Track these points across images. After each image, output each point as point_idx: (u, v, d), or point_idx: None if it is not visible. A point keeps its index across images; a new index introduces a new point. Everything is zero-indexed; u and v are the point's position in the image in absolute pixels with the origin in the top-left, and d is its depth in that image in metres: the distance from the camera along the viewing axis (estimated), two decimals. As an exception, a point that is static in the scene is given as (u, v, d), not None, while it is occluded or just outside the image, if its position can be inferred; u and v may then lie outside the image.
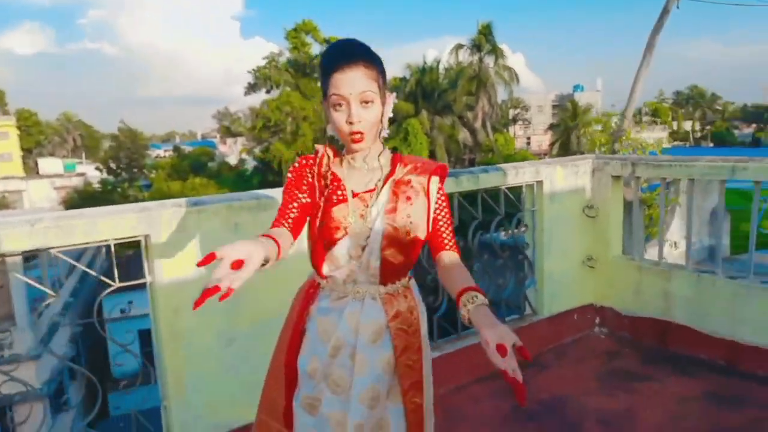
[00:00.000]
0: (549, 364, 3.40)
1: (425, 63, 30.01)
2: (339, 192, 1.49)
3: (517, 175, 3.34)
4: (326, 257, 1.50)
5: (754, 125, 58.98)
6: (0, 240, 1.87)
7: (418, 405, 1.53)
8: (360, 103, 1.39)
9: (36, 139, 50.74)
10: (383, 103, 1.45)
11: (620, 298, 3.69)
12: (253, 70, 28.36)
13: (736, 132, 55.70)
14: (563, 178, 3.57)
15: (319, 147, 1.54)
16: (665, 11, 7.09)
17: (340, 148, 1.56)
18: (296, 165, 1.55)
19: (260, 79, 28.11)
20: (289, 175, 1.55)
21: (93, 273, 2.22)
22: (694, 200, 3.48)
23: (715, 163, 3.18)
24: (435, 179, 1.52)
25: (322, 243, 1.49)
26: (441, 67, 30.82)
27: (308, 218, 1.51)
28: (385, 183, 1.49)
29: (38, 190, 33.97)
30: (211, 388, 2.35)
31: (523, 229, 3.54)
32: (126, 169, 37.67)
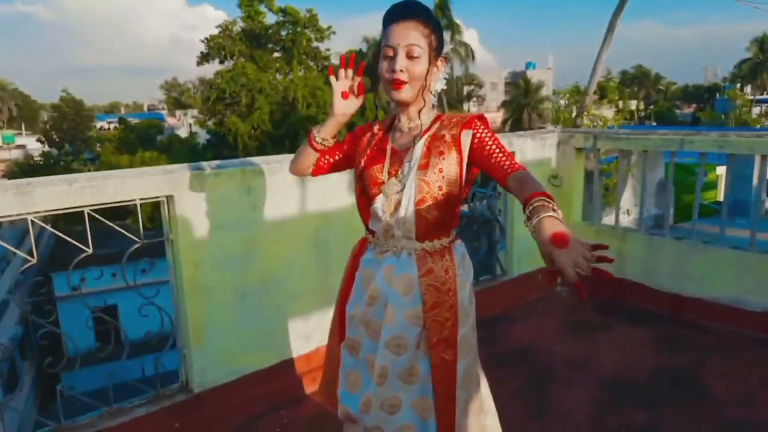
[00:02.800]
0: (519, 318, 3.79)
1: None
2: (380, 149, 1.63)
3: (493, 146, 3.65)
4: (370, 212, 1.61)
5: (694, 105, 61.98)
6: (42, 198, 2.03)
7: (447, 361, 1.55)
8: (407, 55, 1.47)
9: (-33, 108, 47.79)
10: (431, 64, 1.51)
11: (580, 260, 4.09)
12: (206, 39, 27.59)
13: (677, 111, 58.41)
14: (532, 150, 3.91)
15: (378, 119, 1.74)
16: None
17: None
18: (354, 131, 1.77)
19: (213, 49, 27.40)
20: (348, 135, 1.78)
21: (123, 231, 2.38)
22: (646, 171, 3.90)
23: (666, 136, 3.59)
24: (467, 132, 1.52)
25: (365, 199, 1.62)
26: (398, 41, 30.83)
27: (354, 175, 1.69)
28: (419, 138, 1.56)
29: (-26, 162, 32.19)
30: (226, 337, 2.58)
31: (496, 196, 3.87)
32: (69, 141, 36.11)
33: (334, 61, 30.01)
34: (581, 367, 3.12)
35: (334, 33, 27.31)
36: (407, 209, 1.53)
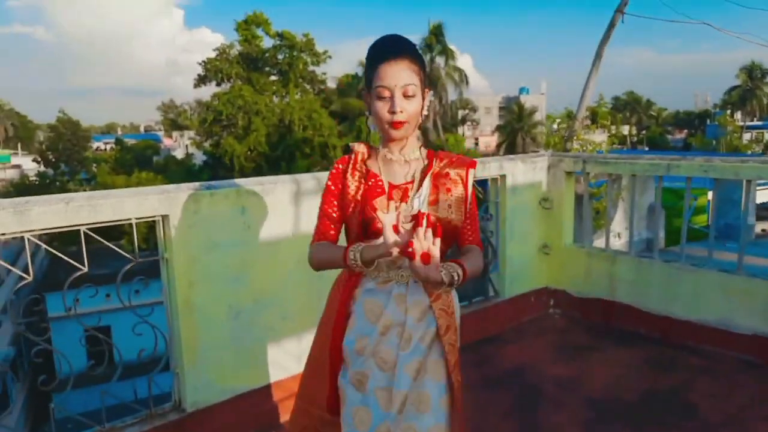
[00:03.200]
0: (511, 340, 3.81)
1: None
2: (377, 185, 1.59)
3: (483, 168, 3.72)
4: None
5: (685, 131, 62.79)
6: (39, 217, 2.06)
7: (459, 383, 1.60)
8: (403, 95, 1.50)
9: (-36, 128, 47.83)
10: (423, 98, 1.56)
11: (571, 282, 4.14)
12: (203, 61, 27.91)
13: (669, 137, 59.14)
14: (523, 173, 3.98)
15: (355, 145, 1.67)
16: (612, 25, 7.76)
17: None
18: (333, 171, 1.66)
19: (211, 72, 27.70)
20: (329, 182, 1.64)
21: (121, 251, 2.41)
22: (636, 195, 3.97)
23: (653, 161, 3.66)
24: (472, 171, 1.65)
25: (364, 233, 1.57)
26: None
27: (345, 215, 1.61)
28: (425, 175, 1.59)
29: (-31, 182, 32.13)
30: (219, 356, 2.59)
31: (488, 218, 3.93)
32: (65, 161, 36.17)
33: (331, 84, 30.38)
34: (572, 387, 3.14)
35: (330, 57, 27.72)
36: None
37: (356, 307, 1.63)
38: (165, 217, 2.40)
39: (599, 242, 4.33)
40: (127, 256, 2.38)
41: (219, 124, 26.39)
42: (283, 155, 25.14)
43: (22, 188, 29.99)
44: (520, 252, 4.04)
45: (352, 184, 1.61)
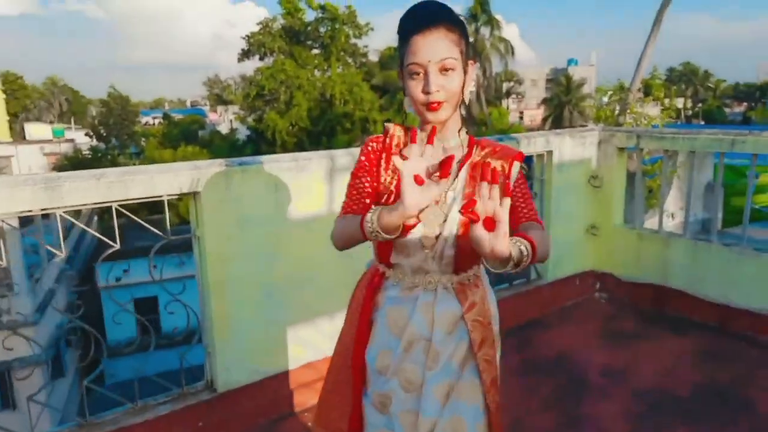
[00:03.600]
0: (553, 324, 3.65)
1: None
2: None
3: (529, 144, 3.53)
4: (395, 245, 1.39)
5: (745, 104, 59.44)
6: (71, 193, 2.03)
7: (498, 405, 1.43)
8: (440, 70, 1.28)
9: (22, 103, 49.90)
10: (465, 72, 1.32)
11: (620, 265, 3.93)
12: (247, 36, 27.99)
13: (727, 110, 56.12)
14: (571, 149, 3.76)
15: (389, 126, 1.45)
16: None
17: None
18: (367, 149, 1.46)
19: (254, 46, 27.79)
20: (362, 157, 1.45)
21: (153, 228, 2.38)
22: (694, 173, 3.70)
23: (716, 136, 3.38)
24: (517, 165, 1.40)
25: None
26: (435, 37, 30.59)
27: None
28: (461, 166, 1.38)
29: (27, 155, 33.58)
30: (251, 336, 2.55)
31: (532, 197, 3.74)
32: (116, 135, 37.31)
33: (373, 57, 30.03)
34: (619, 377, 2.98)
35: (372, 29, 27.33)
36: (449, 242, 1.37)
37: (379, 316, 1.45)
38: (196, 194, 2.35)
39: (651, 223, 4.08)
40: (158, 233, 2.35)
41: (262, 99, 26.55)
42: (323, 130, 25.15)
43: (75, 162, 31.10)
44: (565, 232, 3.85)
45: (385, 174, 1.40)
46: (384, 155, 1.42)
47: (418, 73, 1.29)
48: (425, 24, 1.28)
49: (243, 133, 33.11)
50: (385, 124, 1.47)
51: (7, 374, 12.77)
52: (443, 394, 1.38)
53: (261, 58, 28.01)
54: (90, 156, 33.36)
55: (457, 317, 1.40)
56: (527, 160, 3.68)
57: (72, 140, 37.66)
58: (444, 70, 1.28)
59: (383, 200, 1.39)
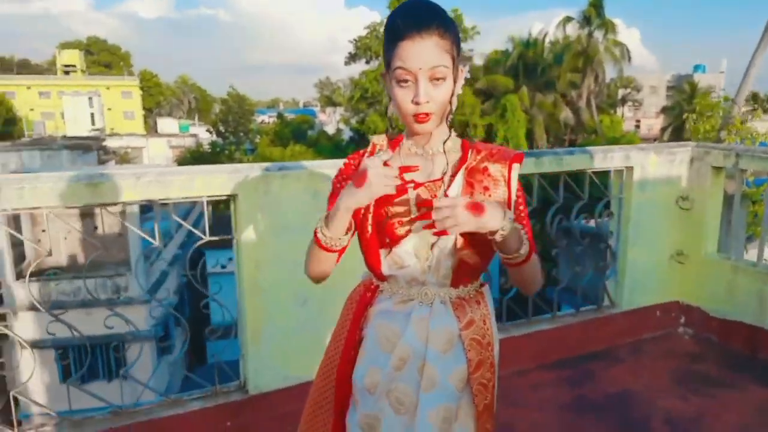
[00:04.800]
0: (623, 359, 3.30)
1: (530, 36, 28.87)
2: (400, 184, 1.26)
3: (605, 159, 3.22)
4: (387, 257, 1.32)
5: None
6: (111, 190, 2.12)
7: None
8: (430, 79, 1.19)
9: (156, 99, 55.04)
10: (455, 80, 1.24)
11: (710, 298, 3.47)
12: (354, 40, 28.71)
13: None
14: (656, 166, 3.38)
15: (376, 139, 1.37)
16: None
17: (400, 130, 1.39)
18: (342, 168, 1.39)
19: (360, 50, 28.44)
20: (334, 181, 1.38)
21: (189, 227, 2.44)
22: (807, 199, 3.17)
23: (834, 160, 2.87)
24: (516, 167, 1.31)
25: (381, 241, 1.31)
26: (546, 41, 29.50)
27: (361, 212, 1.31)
28: (457, 170, 1.29)
29: (156, 147, 36.93)
30: (284, 341, 2.53)
31: (607, 217, 3.41)
32: (233, 132, 39.91)
33: (477, 61, 29.54)
34: (686, 427, 2.61)
35: (478, 33, 26.92)
36: (445, 252, 1.28)
37: (368, 330, 1.35)
38: (234, 197, 2.36)
39: (754, 254, 3.56)
40: (198, 233, 2.39)
41: (365, 101, 27.08)
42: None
43: (196, 155, 33.69)
44: (646, 258, 3.46)
45: None
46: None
47: (406, 81, 1.20)
48: (417, 28, 1.17)
49: (347, 134, 34.02)
50: (371, 137, 1.39)
51: (122, 346, 14.03)
52: (440, 419, 1.27)
53: (367, 62, 28.59)
54: (210, 150, 35.94)
55: (454, 335, 1.30)
56: (605, 175, 3.37)
57: (195, 135, 40.85)
58: (434, 79, 1.20)
59: (360, 215, 1.32)
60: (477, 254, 1.30)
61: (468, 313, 1.32)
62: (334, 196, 1.36)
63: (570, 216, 3.25)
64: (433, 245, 1.28)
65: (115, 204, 2.14)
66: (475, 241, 1.26)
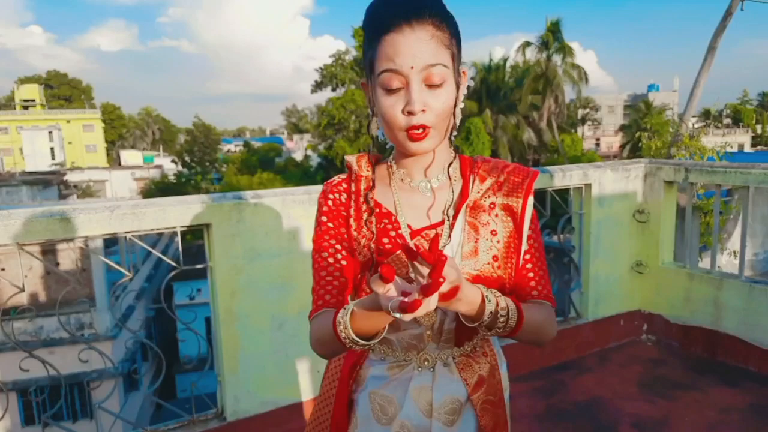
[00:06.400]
0: (590, 368, 3.42)
1: (491, 61, 29.77)
2: (390, 230, 1.04)
3: (564, 177, 3.38)
4: None
5: None
6: (84, 224, 2.14)
7: None
8: (425, 83, 0.93)
9: (119, 132, 54.27)
10: (458, 85, 0.98)
11: (669, 306, 3.64)
12: (320, 68, 29.10)
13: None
14: (613, 182, 3.56)
15: (350, 160, 1.11)
16: (728, 14, 6.80)
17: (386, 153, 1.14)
18: (323, 200, 1.10)
19: (326, 77, 28.79)
20: (322, 218, 1.09)
21: (162, 256, 2.47)
22: (749, 208, 3.38)
23: (772, 170, 3.09)
24: (531, 199, 1.06)
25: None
26: (507, 65, 30.43)
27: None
28: (457, 213, 1.04)
29: (120, 180, 36.27)
30: (261, 367, 2.56)
31: (569, 233, 3.56)
32: (199, 162, 39.60)
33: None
34: (658, 430, 2.72)
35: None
36: (450, 314, 1.05)
37: (360, 396, 1.11)
38: (208, 226, 2.41)
39: (706, 262, 3.76)
40: (172, 263, 2.42)
41: (332, 128, 27.31)
42: (392, 157, 25.49)
43: (161, 186, 33.27)
44: (607, 269, 3.62)
45: (358, 234, 1.05)
46: (353, 205, 1.07)
47: (395, 86, 0.94)
48: (406, 17, 0.91)
49: (315, 160, 34.13)
50: (346, 158, 1.13)
51: (86, 385, 13.56)
52: None
53: (333, 89, 28.95)
54: (175, 181, 35.52)
55: (462, 401, 1.07)
56: (564, 192, 3.53)
57: (160, 166, 40.32)
58: (431, 82, 0.93)
59: (364, 268, 1.05)
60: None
61: (476, 372, 1.09)
62: (320, 237, 1.10)
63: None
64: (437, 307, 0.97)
65: (88, 238, 2.16)
66: None
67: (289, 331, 2.61)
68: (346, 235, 1.06)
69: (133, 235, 2.27)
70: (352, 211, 1.07)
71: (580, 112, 46.79)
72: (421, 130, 0.95)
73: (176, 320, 2.57)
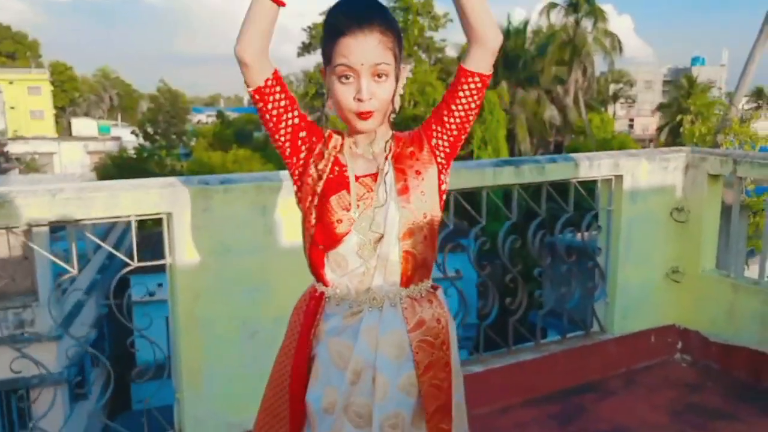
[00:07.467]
0: (616, 391, 3.42)
1: (509, 24, 29.60)
2: (340, 178, 1.48)
3: (591, 167, 3.35)
4: (329, 259, 1.49)
5: None
6: (22, 209, 2.11)
7: None
8: (372, 76, 1.38)
9: (70, 96, 53.83)
10: (398, 77, 1.44)
11: (710, 321, 3.64)
12: (308, 27, 28.89)
13: None
14: (648, 174, 3.54)
15: (329, 131, 1.57)
16: None
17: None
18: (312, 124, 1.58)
19: (315, 39, 28.60)
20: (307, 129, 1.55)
21: (113, 251, 2.44)
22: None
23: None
24: (428, 125, 1.55)
25: (322, 242, 1.47)
26: (528, 29, 30.31)
27: (300, 210, 1.54)
28: (386, 160, 1.50)
29: (70, 153, 36.08)
30: (229, 382, 2.54)
31: (595, 231, 3.54)
32: (164, 134, 39.45)
33: (450, 52, 30.09)
34: (689, 467, 2.73)
35: (451, 21, 27.43)
36: (391, 247, 1.46)
37: (320, 349, 1.51)
38: (169, 215, 2.38)
39: (754, 270, 3.76)
40: (125, 259, 2.39)
41: (321, 98, 27.18)
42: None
43: (119, 161, 33.07)
44: (639, 276, 3.61)
45: (314, 171, 1.49)
46: (321, 148, 1.53)
47: (348, 77, 1.39)
48: (359, 24, 1.36)
49: (301, 135, 33.98)
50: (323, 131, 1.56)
51: (26, 393, 13.55)
52: (390, 426, 1.43)
53: (323, 52, 28.80)
54: (135, 156, 35.33)
55: (404, 338, 1.46)
56: (591, 185, 3.51)
57: (118, 138, 40.11)
58: (377, 75, 1.39)
59: (307, 202, 1.49)
60: (422, 243, 1.48)
61: (418, 314, 1.48)
62: (299, 112, 1.53)
63: (554, 231, 3.36)
64: (377, 241, 1.45)
65: (25, 226, 2.13)
66: (419, 229, 1.47)
67: (263, 341, 2.58)
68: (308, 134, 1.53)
69: (79, 224, 2.23)
70: (316, 149, 1.52)
71: (612, 88, 46.77)
72: (367, 114, 1.41)
73: (133, 318, 2.54)
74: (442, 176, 1.53)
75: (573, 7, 29.74)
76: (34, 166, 32.40)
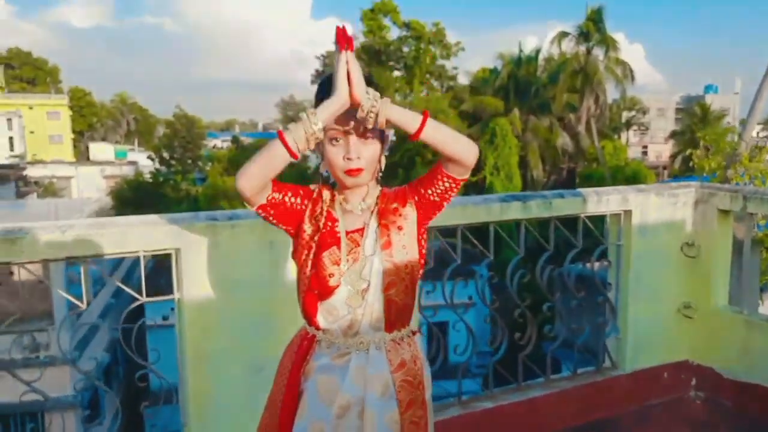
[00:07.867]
0: (627, 429, 3.37)
1: (521, 52, 29.78)
2: (332, 234, 1.63)
3: (599, 202, 3.34)
4: (322, 308, 1.63)
5: None
6: (30, 247, 2.13)
7: None
8: (359, 138, 1.55)
9: (88, 121, 54.72)
10: (382, 142, 1.61)
11: (723, 357, 3.57)
12: (322, 55, 29.29)
13: None
14: (657, 209, 3.51)
15: (313, 187, 1.71)
16: None
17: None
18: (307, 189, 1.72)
19: (330, 66, 28.97)
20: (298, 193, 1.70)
21: (123, 286, 2.45)
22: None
23: None
24: (411, 203, 1.67)
25: (315, 292, 1.62)
26: (540, 57, 30.47)
27: (296, 263, 1.67)
28: (371, 214, 1.65)
29: (87, 177, 36.51)
30: (236, 417, 2.52)
31: (605, 265, 3.51)
32: (180, 159, 39.79)
33: (462, 80, 30.27)
34: None
35: (462, 49, 27.70)
36: (376, 298, 1.61)
37: (308, 384, 1.63)
38: (177, 251, 2.39)
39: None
40: (134, 294, 2.40)
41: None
42: (401, 161, 25.42)
43: (135, 185, 33.40)
44: (650, 312, 3.57)
45: (308, 227, 1.63)
46: (311, 207, 1.66)
47: (338, 140, 1.57)
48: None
49: (314, 161, 34.20)
50: (311, 187, 1.72)
51: (41, 416, 13.53)
52: None
53: (337, 80, 29.10)
54: (151, 180, 35.67)
55: (387, 378, 1.61)
56: (600, 220, 3.48)
57: (134, 163, 40.56)
58: (364, 137, 1.56)
59: (303, 255, 1.63)
60: (404, 293, 1.63)
61: (400, 355, 1.64)
62: (296, 190, 1.68)
63: (563, 266, 3.34)
64: (364, 290, 1.60)
65: (34, 262, 2.14)
66: (401, 280, 1.61)
67: (269, 377, 2.54)
68: (299, 211, 1.66)
69: (89, 260, 2.25)
70: (308, 210, 1.66)
71: (625, 115, 46.73)
72: (356, 171, 1.57)
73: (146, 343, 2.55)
74: (422, 229, 1.68)
75: (584, 36, 29.88)
76: (52, 189, 32.81)
